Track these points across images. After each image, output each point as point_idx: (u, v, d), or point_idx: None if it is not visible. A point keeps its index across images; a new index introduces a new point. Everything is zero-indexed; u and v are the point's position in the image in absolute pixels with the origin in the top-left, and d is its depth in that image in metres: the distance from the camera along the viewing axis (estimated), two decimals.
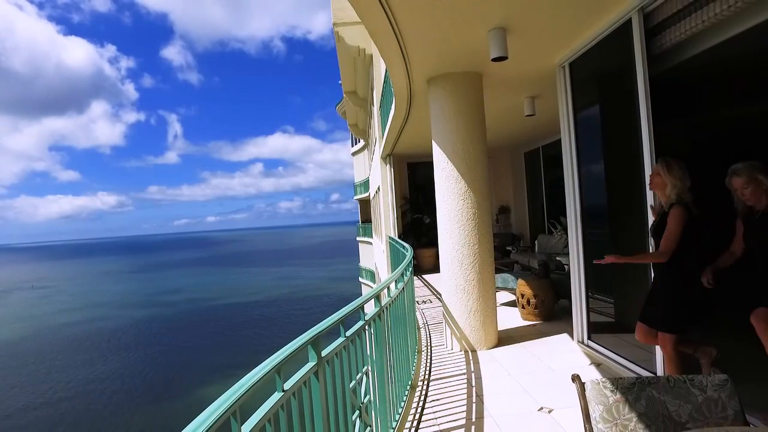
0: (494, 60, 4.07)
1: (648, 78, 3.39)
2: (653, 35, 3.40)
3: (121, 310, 55.13)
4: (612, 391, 1.64)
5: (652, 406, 1.59)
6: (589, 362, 4.39)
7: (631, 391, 1.64)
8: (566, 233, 7.42)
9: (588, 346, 4.64)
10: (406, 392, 3.76)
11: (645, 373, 3.62)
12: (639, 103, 3.47)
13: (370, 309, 2.84)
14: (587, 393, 1.69)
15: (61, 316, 52.72)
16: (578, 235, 4.76)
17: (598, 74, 4.52)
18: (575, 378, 1.78)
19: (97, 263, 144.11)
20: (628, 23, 3.55)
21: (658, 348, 3.44)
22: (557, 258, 8.08)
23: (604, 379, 1.68)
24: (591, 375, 4.04)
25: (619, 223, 4.32)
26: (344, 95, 16.82)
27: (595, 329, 4.69)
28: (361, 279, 26.88)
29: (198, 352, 35.55)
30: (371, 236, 23.03)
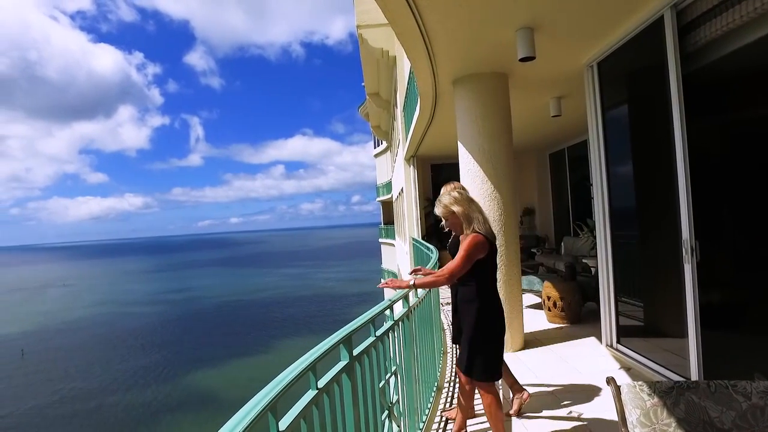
0: (522, 60, 4.04)
1: (681, 76, 3.32)
2: (686, 32, 3.32)
3: (146, 307, 56.64)
4: (649, 394, 1.61)
5: (692, 412, 1.55)
6: (619, 366, 4.31)
7: (669, 395, 1.60)
8: (593, 235, 7.31)
9: (617, 349, 4.55)
10: (433, 393, 3.75)
11: (678, 379, 3.54)
12: (671, 103, 3.40)
13: (395, 310, 2.84)
14: (623, 396, 1.66)
15: (89, 312, 54.38)
16: (607, 238, 4.68)
17: (627, 73, 4.44)
18: (610, 380, 1.76)
19: (124, 263, 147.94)
20: (660, 21, 3.48)
21: (692, 352, 3.36)
22: (583, 260, 7.96)
23: (640, 383, 1.65)
24: (622, 379, 3.94)
25: (649, 226, 4.22)
26: (367, 97, 16.88)
27: (623, 333, 4.60)
28: (383, 281, 26.89)
29: (220, 351, 36.12)
30: (394, 238, 23.03)
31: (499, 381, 3.63)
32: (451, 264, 2.60)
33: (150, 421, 24.35)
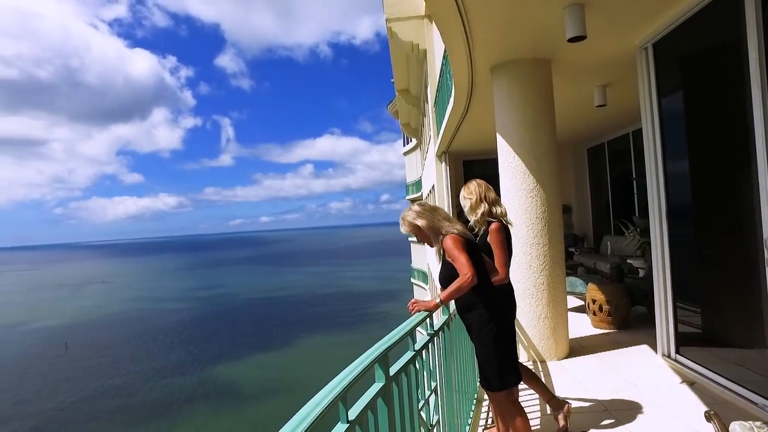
0: (571, 40, 3.67)
1: (764, 53, 2.88)
2: None
3: (179, 303, 58.21)
4: None
5: None
6: (680, 380, 3.87)
7: None
8: (639, 234, 6.79)
9: (676, 360, 4.12)
10: (473, 406, 3.43)
11: (757, 398, 3.11)
12: (750, 84, 2.95)
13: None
14: None
15: (125, 308, 56.15)
16: (663, 237, 4.24)
17: (691, 54, 3.99)
18: (712, 416, 1.41)
19: (159, 260, 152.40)
20: None
21: None
22: (628, 261, 7.45)
23: (759, 423, 1.30)
24: (687, 396, 3.54)
25: (716, 224, 3.77)
26: (396, 93, 16.54)
27: (683, 341, 4.16)
28: (412, 279, 26.55)
29: (248, 348, 36.57)
30: None
31: (547, 405, 3.28)
32: (462, 268, 2.39)
33: (175, 415, 24.94)
